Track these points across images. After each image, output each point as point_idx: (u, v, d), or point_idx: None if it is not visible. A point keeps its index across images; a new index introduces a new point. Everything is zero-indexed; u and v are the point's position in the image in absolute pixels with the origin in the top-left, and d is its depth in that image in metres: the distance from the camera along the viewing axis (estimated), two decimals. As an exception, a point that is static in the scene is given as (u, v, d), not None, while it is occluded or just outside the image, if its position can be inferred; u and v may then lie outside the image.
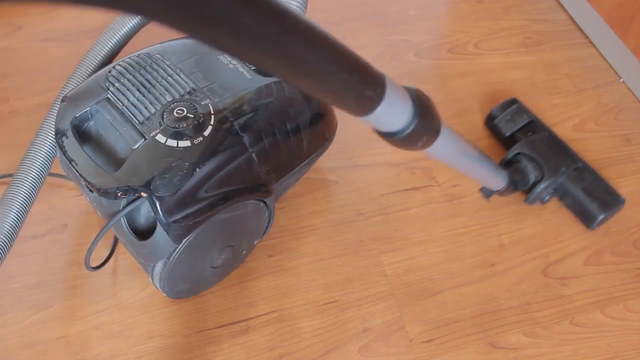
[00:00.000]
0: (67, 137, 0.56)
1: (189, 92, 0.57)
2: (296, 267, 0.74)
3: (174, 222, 0.54)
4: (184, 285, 0.65)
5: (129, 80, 0.58)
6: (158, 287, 0.62)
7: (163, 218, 0.53)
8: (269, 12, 0.24)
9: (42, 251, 0.72)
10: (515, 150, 0.80)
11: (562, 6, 1.11)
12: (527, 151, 0.79)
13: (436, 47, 1.02)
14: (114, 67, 0.59)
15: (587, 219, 0.79)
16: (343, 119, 0.75)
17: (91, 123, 0.57)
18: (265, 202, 0.63)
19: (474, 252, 0.77)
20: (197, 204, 0.54)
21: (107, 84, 0.58)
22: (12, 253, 0.71)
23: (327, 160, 0.83)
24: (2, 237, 0.56)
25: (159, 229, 0.54)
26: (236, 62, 0.62)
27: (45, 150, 0.59)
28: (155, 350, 0.66)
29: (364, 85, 0.33)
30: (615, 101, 0.97)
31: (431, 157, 0.50)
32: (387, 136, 0.41)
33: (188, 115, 0.54)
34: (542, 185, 0.77)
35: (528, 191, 0.79)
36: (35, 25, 0.99)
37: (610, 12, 0.97)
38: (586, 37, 1.06)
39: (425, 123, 0.41)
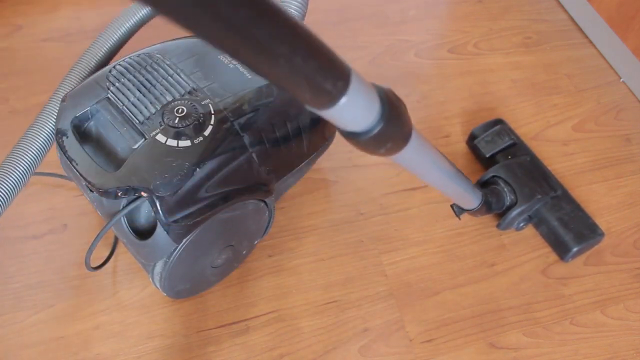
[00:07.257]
0: (67, 137, 0.56)
1: (189, 92, 0.57)
2: (296, 267, 0.74)
3: (174, 221, 0.54)
4: (184, 285, 0.65)
5: (129, 80, 0.58)
6: (158, 286, 0.62)
7: (163, 218, 0.53)
8: None
9: (42, 251, 0.72)
10: (490, 172, 0.76)
11: (562, 6, 1.11)
12: (502, 174, 0.75)
13: (436, 47, 1.02)
14: (114, 67, 0.59)
15: (561, 250, 0.75)
16: (343, 119, 0.75)
17: (91, 123, 0.57)
18: (265, 202, 0.63)
19: (474, 252, 0.77)
20: (197, 203, 0.54)
21: (107, 83, 0.58)
22: (12, 253, 0.72)
23: (327, 160, 0.83)
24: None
25: (159, 229, 0.54)
26: (236, 62, 0.62)
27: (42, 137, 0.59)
28: (155, 350, 0.66)
29: (321, 77, 0.30)
30: (615, 101, 0.97)
31: (398, 164, 0.46)
32: (349, 136, 0.37)
33: (188, 115, 0.54)
34: (515, 211, 0.73)
35: (501, 215, 0.75)
36: (35, 25, 0.99)
37: (610, 12, 0.97)
38: (586, 37, 1.06)
39: (392, 127, 0.37)
